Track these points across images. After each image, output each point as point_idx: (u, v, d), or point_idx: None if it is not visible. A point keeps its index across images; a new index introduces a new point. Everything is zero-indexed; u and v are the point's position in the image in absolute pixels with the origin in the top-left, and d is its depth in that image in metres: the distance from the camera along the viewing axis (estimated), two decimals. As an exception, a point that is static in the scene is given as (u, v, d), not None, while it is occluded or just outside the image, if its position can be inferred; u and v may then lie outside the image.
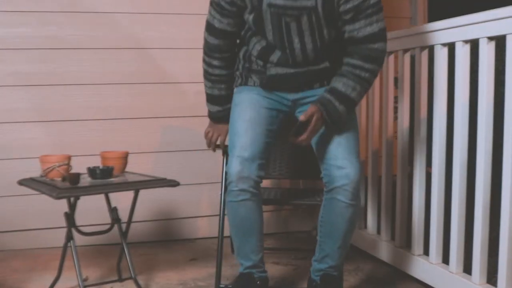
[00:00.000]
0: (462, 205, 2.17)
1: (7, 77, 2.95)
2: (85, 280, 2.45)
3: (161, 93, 3.14)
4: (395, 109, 2.65)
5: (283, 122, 2.17)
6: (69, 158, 2.28)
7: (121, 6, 3.05)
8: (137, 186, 2.24)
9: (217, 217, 2.56)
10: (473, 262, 2.07)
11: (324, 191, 2.08)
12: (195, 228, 3.25)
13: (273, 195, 2.51)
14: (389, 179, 2.66)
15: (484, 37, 1.99)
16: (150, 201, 3.12)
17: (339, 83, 1.99)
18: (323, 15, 1.93)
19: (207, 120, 3.19)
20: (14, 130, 2.97)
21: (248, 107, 2.09)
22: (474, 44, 2.09)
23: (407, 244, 2.54)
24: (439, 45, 2.24)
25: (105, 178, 2.23)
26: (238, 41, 2.18)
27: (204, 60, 2.20)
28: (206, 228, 3.25)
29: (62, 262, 2.30)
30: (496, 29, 1.93)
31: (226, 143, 2.22)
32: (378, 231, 2.77)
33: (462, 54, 2.12)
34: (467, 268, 2.16)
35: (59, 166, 2.22)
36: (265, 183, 3.14)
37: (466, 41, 2.11)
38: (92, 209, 2.82)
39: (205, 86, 2.25)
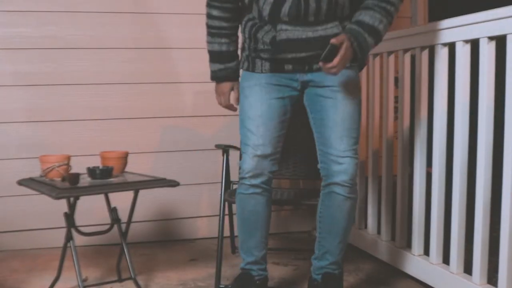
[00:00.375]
0: (462, 205, 2.17)
1: (7, 77, 2.94)
2: (84, 280, 2.45)
3: (161, 93, 3.13)
4: (396, 109, 2.64)
5: (294, 107, 2.12)
6: (68, 158, 2.28)
7: (120, 5, 3.05)
8: (136, 186, 2.23)
9: (217, 217, 2.57)
10: (474, 262, 2.07)
11: (322, 184, 2.09)
12: (195, 228, 3.24)
13: (273, 196, 2.50)
14: (390, 179, 2.66)
15: (485, 37, 1.99)
16: (150, 201, 3.12)
17: (366, 16, 1.93)
18: None
19: (207, 120, 3.21)
20: (14, 130, 2.97)
21: (259, 101, 2.04)
22: (475, 44, 2.09)
23: (408, 244, 2.54)
24: (440, 45, 2.24)
25: (105, 178, 2.22)
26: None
27: (206, 13, 2.13)
28: (206, 228, 3.24)
29: (61, 262, 2.29)
30: (496, 29, 1.93)
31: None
32: (378, 231, 2.76)
33: (463, 54, 2.12)
34: (468, 268, 2.15)
35: (59, 166, 2.22)
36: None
37: (466, 41, 2.11)
38: (91, 209, 2.82)
39: (207, 43, 2.17)
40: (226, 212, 2.73)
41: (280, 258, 2.80)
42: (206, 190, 3.23)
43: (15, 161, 2.95)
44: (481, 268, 2.05)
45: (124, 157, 2.38)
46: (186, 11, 3.11)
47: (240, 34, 2.16)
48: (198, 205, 3.24)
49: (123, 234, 2.33)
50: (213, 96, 3.17)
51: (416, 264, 2.41)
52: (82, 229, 2.29)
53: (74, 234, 2.21)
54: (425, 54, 2.37)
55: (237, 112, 3.01)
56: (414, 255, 2.43)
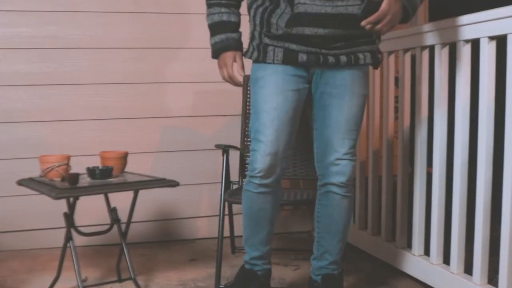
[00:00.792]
0: (462, 205, 2.17)
1: (7, 76, 2.94)
2: (84, 280, 2.45)
3: (161, 93, 3.13)
4: (396, 109, 2.64)
5: (305, 102, 2.02)
6: (68, 158, 2.27)
7: (121, 5, 3.05)
8: (136, 186, 2.23)
9: (217, 218, 2.56)
10: (474, 263, 2.07)
11: (318, 184, 2.08)
12: (195, 228, 3.24)
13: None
14: (390, 179, 2.65)
15: (485, 37, 1.99)
16: (150, 201, 3.11)
17: None
18: None
19: (207, 120, 3.20)
20: (13, 130, 2.96)
21: (274, 93, 1.92)
22: (475, 44, 2.09)
23: (408, 244, 2.53)
24: (440, 45, 2.23)
25: (105, 178, 2.22)
26: None
27: None
28: (205, 228, 3.24)
29: (61, 262, 2.29)
30: (497, 29, 1.93)
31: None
32: (379, 231, 2.76)
33: (463, 54, 2.12)
34: (468, 269, 2.15)
35: (58, 166, 2.22)
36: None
37: (466, 41, 2.10)
38: (91, 210, 2.81)
39: (206, 17, 2.08)
40: (226, 212, 2.73)
41: (280, 258, 2.79)
42: (206, 190, 3.22)
43: (15, 161, 2.95)
44: (482, 268, 2.05)
45: (124, 157, 2.38)
46: (186, 11, 3.11)
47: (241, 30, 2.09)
48: (198, 205, 3.24)
49: (123, 234, 2.33)
50: (213, 96, 3.19)
51: (416, 264, 2.41)
52: (81, 229, 2.29)
53: (74, 234, 2.20)
54: (426, 54, 2.37)
55: (237, 112, 3.04)
56: (414, 255, 2.43)
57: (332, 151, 1.99)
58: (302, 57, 1.90)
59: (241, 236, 3.13)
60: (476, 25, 2.02)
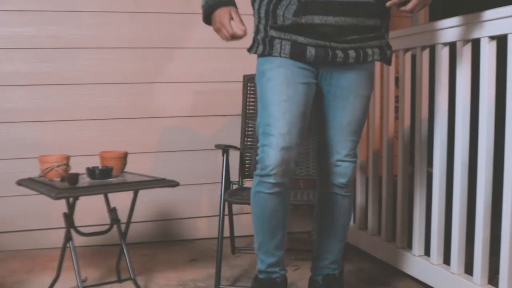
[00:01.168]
0: (463, 205, 2.16)
1: (6, 76, 2.94)
2: (84, 281, 2.44)
3: (161, 93, 3.13)
4: (396, 109, 2.64)
5: (313, 98, 1.93)
6: (68, 158, 2.27)
7: (121, 5, 3.04)
8: (136, 186, 2.23)
9: (217, 218, 2.56)
10: (474, 263, 2.06)
11: (318, 183, 2.06)
12: (195, 228, 3.24)
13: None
14: (390, 179, 2.65)
15: (485, 37, 1.98)
16: (150, 201, 3.11)
17: None
18: None
19: (207, 120, 3.20)
20: (13, 130, 2.96)
21: (285, 84, 1.81)
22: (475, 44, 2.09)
23: (408, 244, 2.53)
24: (440, 45, 2.23)
25: (104, 178, 2.22)
26: None
27: None
28: (205, 228, 3.24)
29: (61, 262, 2.28)
30: (497, 29, 1.92)
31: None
32: (379, 231, 2.76)
33: (463, 54, 2.11)
34: (469, 269, 2.15)
35: (58, 166, 2.22)
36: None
37: (467, 41, 2.10)
38: (91, 210, 2.81)
39: None
40: (226, 212, 2.72)
41: (280, 259, 2.79)
42: (206, 190, 3.22)
43: (14, 161, 2.95)
44: (482, 269, 2.04)
45: (124, 157, 2.37)
46: (186, 10, 3.11)
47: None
48: (198, 205, 3.23)
49: (123, 235, 2.33)
50: (213, 96, 3.19)
51: (416, 264, 2.41)
52: (81, 229, 2.28)
53: (74, 234, 2.20)
54: (426, 53, 2.37)
55: (237, 112, 3.03)
56: (414, 255, 2.43)
57: (334, 153, 1.96)
58: (311, 51, 1.80)
59: (241, 236, 3.15)
60: (476, 24, 2.01)
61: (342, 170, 1.97)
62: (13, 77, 2.94)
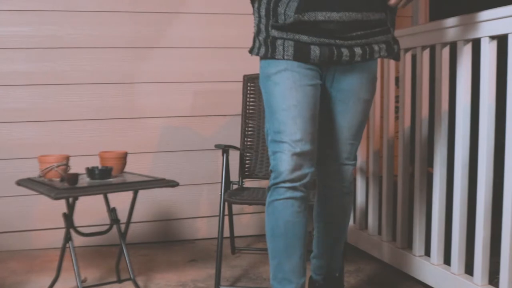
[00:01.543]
0: (463, 206, 2.16)
1: (6, 76, 2.93)
2: (83, 281, 2.44)
3: (161, 92, 3.12)
4: (396, 109, 2.63)
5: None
6: (67, 158, 2.26)
7: (120, 5, 3.04)
8: (136, 186, 2.22)
9: (217, 218, 2.56)
10: (475, 263, 2.06)
11: (317, 183, 2.02)
12: (195, 229, 3.23)
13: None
14: (390, 179, 2.65)
15: (486, 36, 1.98)
16: (149, 201, 3.11)
17: None
18: None
19: (207, 120, 3.20)
20: (12, 130, 2.96)
21: (293, 88, 1.74)
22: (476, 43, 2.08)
23: (409, 245, 2.53)
24: (440, 44, 2.23)
25: (104, 178, 2.21)
26: None
27: None
28: (205, 229, 3.23)
29: (60, 263, 2.28)
30: (498, 28, 1.92)
31: None
32: (379, 231, 2.75)
33: (464, 53, 2.11)
34: (469, 269, 2.14)
35: (58, 166, 2.21)
36: (264, 183, 3.13)
37: (467, 40, 2.10)
38: (90, 210, 2.81)
39: None
40: (226, 212, 2.72)
41: (280, 259, 2.78)
42: (206, 191, 3.22)
43: (14, 161, 2.94)
44: (483, 269, 2.04)
45: (123, 157, 2.37)
46: (185, 10, 3.11)
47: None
48: (198, 206, 3.23)
49: (122, 235, 2.32)
50: (213, 96, 3.18)
51: (417, 264, 2.40)
52: (81, 229, 2.28)
53: (73, 234, 2.20)
54: (426, 53, 2.36)
55: (237, 112, 3.03)
56: (415, 255, 2.42)
57: (333, 156, 1.93)
58: (315, 51, 1.73)
59: (241, 237, 3.15)
60: (477, 24, 2.01)
61: (341, 173, 1.95)
62: (12, 76, 2.94)
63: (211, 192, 3.18)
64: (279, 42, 1.76)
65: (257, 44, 1.83)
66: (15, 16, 2.92)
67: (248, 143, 2.81)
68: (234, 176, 2.76)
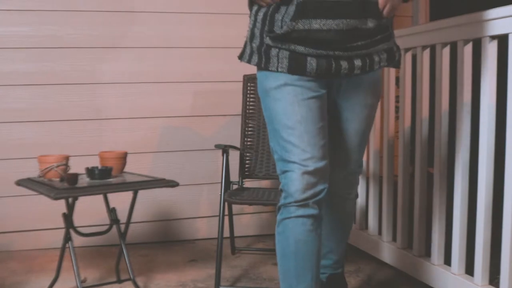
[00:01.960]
0: (464, 206, 2.16)
1: (5, 76, 2.93)
2: (83, 281, 2.44)
3: (160, 92, 3.12)
4: (397, 109, 2.63)
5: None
6: (67, 158, 2.26)
7: (120, 5, 3.04)
8: (136, 186, 2.22)
9: (217, 218, 2.55)
10: (475, 263, 2.06)
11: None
12: (195, 229, 3.23)
13: (273, 197, 2.48)
14: (391, 179, 2.64)
15: (487, 36, 1.97)
16: (149, 201, 3.10)
17: None
18: None
19: (207, 120, 3.20)
20: (12, 130, 2.95)
21: (295, 103, 1.63)
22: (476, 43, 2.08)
23: (409, 245, 2.52)
24: (441, 44, 2.22)
25: (104, 178, 2.21)
26: None
27: None
28: (205, 229, 3.23)
29: (60, 263, 2.28)
30: (498, 28, 1.92)
31: None
32: (380, 232, 2.75)
33: (465, 53, 2.11)
34: (470, 269, 2.14)
35: (57, 166, 2.21)
36: (263, 183, 3.13)
37: (468, 40, 2.09)
38: (90, 210, 2.80)
39: None
40: (226, 212, 2.71)
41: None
42: (206, 191, 3.21)
43: (13, 161, 2.94)
44: (483, 269, 2.04)
45: (123, 157, 2.37)
46: (185, 10, 3.10)
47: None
48: (198, 206, 3.23)
49: (122, 235, 2.32)
50: (213, 96, 3.18)
51: (417, 265, 2.40)
52: (80, 229, 2.28)
53: (73, 234, 2.19)
54: (426, 53, 2.36)
55: (237, 112, 3.03)
56: (415, 256, 2.42)
57: (339, 165, 1.85)
58: (311, 63, 1.63)
59: (241, 237, 3.14)
60: (477, 24, 2.01)
61: (348, 180, 1.92)
62: (12, 76, 2.94)
63: (211, 192, 3.18)
64: (273, 52, 1.65)
65: (248, 51, 1.72)
66: (15, 16, 2.92)
67: (248, 143, 2.80)
68: (234, 176, 2.76)
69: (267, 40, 1.65)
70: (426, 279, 2.34)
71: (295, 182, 1.61)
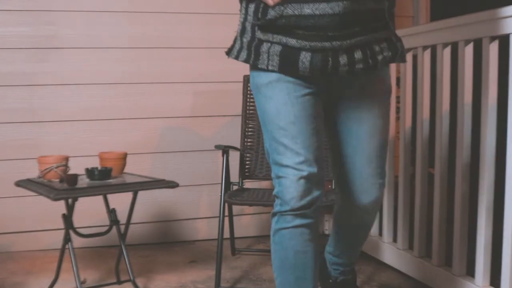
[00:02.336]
0: (465, 207, 2.15)
1: (5, 76, 2.92)
2: (83, 282, 2.43)
3: (160, 93, 3.12)
4: (397, 109, 2.62)
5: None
6: (67, 159, 2.26)
7: (119, 5, 3.03)
8: (135, 187, 2.21)
9: (217, 219, 2.55)
10: (476, 264, 2.05)
11: (339, 197, 1.77)
12: (195, 230, 3.22)
13: (272, 197, 2.47)
14: (391, 180, 2.64)
15: (487, 37, 1.97)
16: (149, 202, 3.10)
17: None
18: None
19: (206, 121, 3.19)
20: (12, 130, 2.95)
21: (288, 103, 1.52)
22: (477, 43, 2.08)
23: (410, 245, 2.52)
24: (442, 45, 2.22)
25: (104, 179, 2.20)
26: None
27: None
28: (205, 230, 3.22)
29: (59, 264, 2.27)
30: (499, 29, 1.91)
31: None
32: (380, 233, 2.74)
33: (465, 54, 2.10)
34: (470, 271, 2.13)
35: (57, 167, 2.20)
36: (263, 184, 3.13)
37: (469, 41, 2.09)
38: (90, 211, 2.80)
39: None
40: (226, 213, 2.71)
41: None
42: (206, 191, 3.21)
43: (13, 161, 2.93)
44: (484, 270, 2.03)
45: (123, 158, 2.36)
46: (185, 10, 3.10)
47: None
48: (198, 207, 3.22)
49: (122, 236, 2.31)
50: (213, 96, 3.17)
51: (418, 265, 2.39)
52: (80, 230, 2.27)
53: (73, 235, 2.19)
54: (427, 54, 2.35)
55: (237, 112, 3.02)
56: (416, 256, 2.41)
57: (357, 175, 1.64)
58: (304, 61, 1.48)
59: (241, 238, 3.14)
60: (478, 24, 2.00)
61: (368, 196, 1.66)
62: (11, 77, 2.93)
63: (211, 193, 3.17)
64: (264, 47, 1.52)
65: (237, 46, 1.61)
66: (14, 16, 2.91)
67: (248, 143, 2.80)
68: (234, 177, 2.75)
69: (258, 34, 1.52)
70: (426, 280, 2.34)
71: (290, 189, 1.51)
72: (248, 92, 2.83)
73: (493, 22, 1.93)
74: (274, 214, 1.57)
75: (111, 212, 2.32)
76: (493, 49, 1.98)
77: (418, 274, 2.40)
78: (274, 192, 1.56)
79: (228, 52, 1.63)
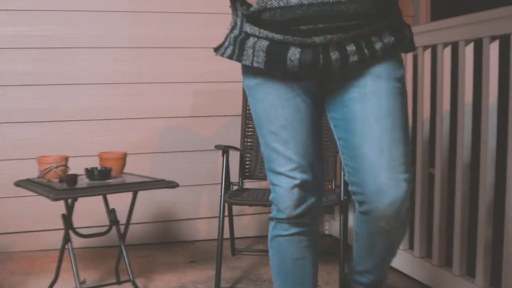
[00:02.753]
0: (465, 207, 2.15)
1: (5, 76, 2.92)
2: (82, 282, 2.43)
3: (160, 93, 3.11)
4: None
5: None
6: (66, 159, 2.26)
7: (120, 5, 3.03)
8: (135, 187, 2.21)
9: (217, 219, 2.54)
10: (477, 265, 2.05)
11: (357, 209, 1.46)
12: (195, 230, 3.22)
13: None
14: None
15: (488, 36, 1.97)
16: (149, 202, 3.09)
17: None
18: None
19: (206, 121, 3.19)
20: (11, 130, 2.94)
21: (279, 105, 1.41)
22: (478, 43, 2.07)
23: (410, 246, 2.51)
24: (442, 45, 2.22)
25: (103, 179, 2.20)
26: None
27: None
28: (205, 230, 3.22)
29: (59, 264, 2.27)
30: (500, 28, 1.91)
31: None
32: (380, 233, 2.74)
33: (466, 53, 2.10)
34: (471, 271, 2.13)
35: (57, 167, 2.20)
36: (263, 184, 3.12)
37: (469, 40, 2.09)
38: (90, 211, 2.79)
39: None
40: (226, 213, 2.70)
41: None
42: (206, 191, 3.20)
43: (12, 161, 2.93)
44: (484, 271, 2.03)
45: (123, 158, 2.36)
46: (185, 10, 3.10)
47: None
48: (198, 207, 3.22)
49: (122, 236, 2.31)
50: (213, 96, 3.17)
51: (418, 266, 2.39)
52: (80, 230, 2.27)
53: (72, 236, 2.18)
54: (428, 53, 2.35)
55: (237, 112, 3.02)
56: (416, 257, 2.41)
57: (368, 168, 1.36)
58: (293, 56, 1.33)
59: (241, 238, 3.13)
60: (479, 24, 2.00)
61: (386, 197, 1.35)
62: (11, 77, 2.93)
63: (211, 193, 3.17)
64: (250, 42, 1.39)
65: (226, 43, 1.47)
66: (14, 16, 2.91)
67: (248, 143, 2.80)
68: (234, 177, 2.75)
69: (246, 27, 1.40)
70: (427, 280, 2.33)
71: (284, 199, 1.44)
72: (248, 92, 2.83)
73: (493, 22, 1.93)
74: (271, 219, 1.53)
75: (111, 212, 2.32)
76: (494, 49, 1.97)
77: (418, 274, 2.39)
78: (270, 197, 1.51)
79: (216, 49, 1.50)
